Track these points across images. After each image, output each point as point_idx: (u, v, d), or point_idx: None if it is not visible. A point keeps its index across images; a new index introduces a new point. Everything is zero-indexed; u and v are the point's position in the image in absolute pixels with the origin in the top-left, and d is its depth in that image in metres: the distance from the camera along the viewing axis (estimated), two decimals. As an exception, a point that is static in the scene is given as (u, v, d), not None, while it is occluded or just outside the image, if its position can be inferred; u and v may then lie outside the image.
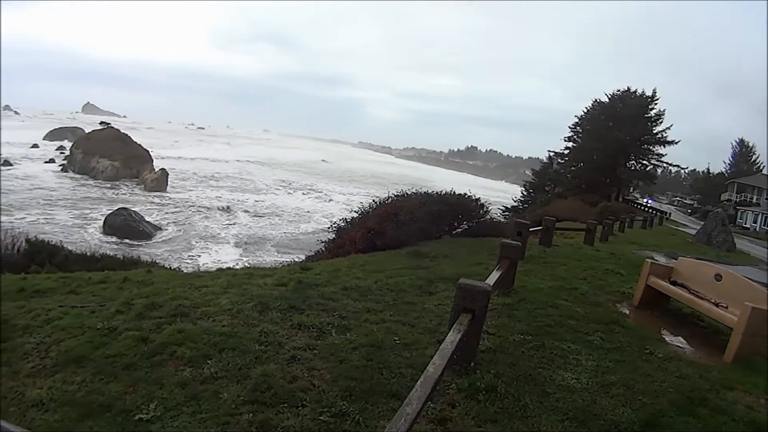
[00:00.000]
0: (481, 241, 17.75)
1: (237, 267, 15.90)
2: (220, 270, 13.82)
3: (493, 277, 8.83)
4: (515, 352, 7.95)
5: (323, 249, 20.02)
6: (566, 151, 79.16)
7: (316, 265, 13.87)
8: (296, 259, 20.07)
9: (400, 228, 16.49)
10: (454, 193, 19.53)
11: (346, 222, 20.16)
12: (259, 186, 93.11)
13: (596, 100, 78.06)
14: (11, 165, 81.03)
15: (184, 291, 10.06)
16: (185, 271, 15.13)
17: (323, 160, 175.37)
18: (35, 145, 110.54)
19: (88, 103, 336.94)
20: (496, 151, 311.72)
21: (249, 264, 35.25)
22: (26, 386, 6.37)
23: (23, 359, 7.09)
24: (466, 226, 19.79)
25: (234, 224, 57.35)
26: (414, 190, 20.02)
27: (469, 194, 20.01)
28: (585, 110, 78.92)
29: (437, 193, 19.51)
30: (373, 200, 20.22)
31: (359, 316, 8.92)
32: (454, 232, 19.50)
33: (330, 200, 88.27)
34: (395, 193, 19.90)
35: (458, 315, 6.66)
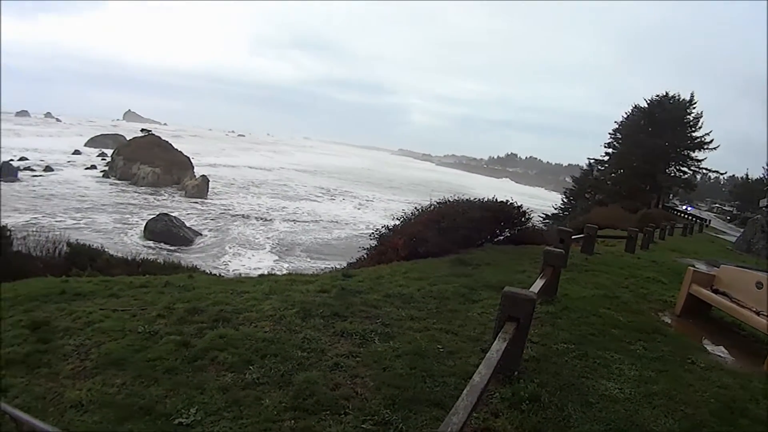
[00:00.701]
0: (522, 249, 17.63)
1: (276, 273, 15.86)
2: (261, 276, 13.90)
3: (538, 285, 8.70)
4: (559, 361, 7.88)
5: (365, 256, 19.87)
6: (606, 158, 78.28)
7: (359, 272, 13.76)
8: (335, 266, 20.07)
9: (443, 235, 16.38)
10: (496, 200, 19.37)
11: (388, 229, 19.91)
12: (299, 193, 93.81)
13: (635, 105, 77.09)
14: (53, 170, 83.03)
15: (226, 296, 10.12)
16: (224, 277, 15.12)
17: (366, 168, 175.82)
18: (77, 152, 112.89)
19: (129, 110, 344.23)
20: (536, 158, 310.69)
21: (284, 270, 36.14)
22: (65, 387, 6.44)
23: (63, 360, 7.18)
24: (508, 234, 19.63)
25: (271, 231, 57.63)
26: (455, 197, 19.84)
27: (510, 201, 19.84)
28: (624, 116, 77.98)
29: (479, 200, 19.37)
30: (416, 207, 20.06)
31: (402, 324, 8.88)
32: (496, 240, 19.35)
33: (369, 207, 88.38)
34: (438, 200, 19.76)
35: (503, 323, 6.56)
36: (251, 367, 6.90)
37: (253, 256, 46.51)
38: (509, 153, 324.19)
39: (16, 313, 9.29)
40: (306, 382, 6.54)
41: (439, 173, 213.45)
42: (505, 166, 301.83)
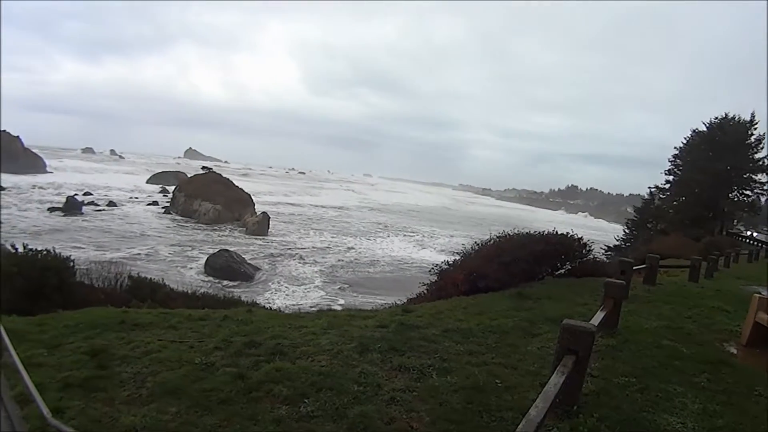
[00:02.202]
0: (583, 282, 17.35)
1: (335, 309, 15.96)
2: (320, 311, 14.14)
3: (598, 317, 8.60)
4: (619, 395, 7.72)
5: (425, 291, 19.82)
6: (667, 186, 76.03)
7: (418, 307, 13.83)
8: (395, 302, 20.07)
9: (503, 269, 16.27)
10: (557, 232, 19.17)
11: (449, 264, 19.88)
12: (359, 229, 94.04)
13: (695, 129, 74.74)
14: (116, 205, 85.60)
15: (284, 330, 10.27)
16: (282, 311, 15.31)
17: (426, 204, 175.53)
18: (139, 188, 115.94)
19: (190, 148, 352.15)
20: (596, 189, 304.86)
21: (337, 306, 36.07)
22: (120, 413, 6.63)
23: (119, 387, 7.41)
24: (569, 267, 19.35)
25: (327, 267, 57.84)
26: (516, 231, 19.73)
27: (571, 233, 19.61)
28: (684, 141, 75.73)
29: (540, 233, 19.21)
30: (476, 242, 20.07)
31: (461, 359, 8.86)
32: (556, 273, 19.09)
33: (426, 243, 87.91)
34: (497, 235, 19.72)
35: (562, 357, 6.48)
36: (306, 401, 6.96)
37: (306, 292, 46.67)
38: (570, 185, 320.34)
39: (77, 339, 9.63)
40: (360, 416, 6.56)
41: (499, 207, 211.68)
42: (566, 198, 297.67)
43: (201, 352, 8.68)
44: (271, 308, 18.15)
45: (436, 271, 19.76)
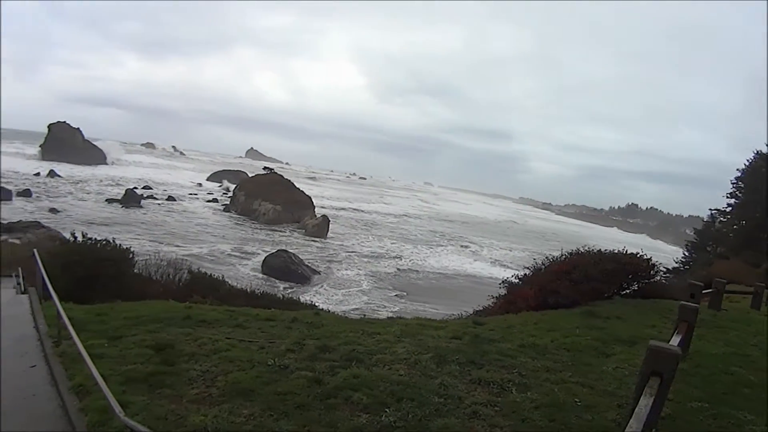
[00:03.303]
0: (650, 303, 16.84)
1: (404, 317, 15.60)
2: (390, 318, 14.00)
3: (675, 340, 8.10)
4: (692, 419, 7.35)
5: (491, 304, 19.81)
6: (728, 209, 73.53)
7: (489, 320, 13.68)
8: (461, 313, 19.69)
9: (574, 287, 15.92)
10: (626, 252, 18.64)
11: (518, 279, 19.76)
12: (417, 237, 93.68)
13: (758, 151, 72.06)
14: (175, 200, 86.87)
15: (357, 336, 10.10)
16: (349, 316, 15.11)
17: (486, 215, 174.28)
18: (199, 185, 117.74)
19: (252, 148, 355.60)
20: (656, 209, 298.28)
21: (390, 312, 36.84)
22: (189, 411, 6.41)
23: (187, 385, 7.22)
24: (636, 287, 18.79)
25: (382, 272, 57.54)
26: (584, 248, 19.26)
27: (640, 254, 19.06)
28: (746, 162, 73.10)
29: (610, 251, 18.73)
30: (546, 257, 19.82)
31: (539, 375, 8.57)
32: (623, 293, 18.57)
33: (483, 255, 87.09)
34: (568, 251, 19.35)
35: (647, 378, 6.04)
36: (387, 410, 6.69)
37: (355, 296, 46.52)
38: (630, 203, 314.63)
39: (140, 332, 9.54)
40: (444, 429, 6.33)
41: (558, 223, 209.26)
42: (626, 216, 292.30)
43: (273, 353, 8.48)
44: (327, 310, 17.83)
45: (506, 285, 19.64)
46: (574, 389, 8.01)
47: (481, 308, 20.46)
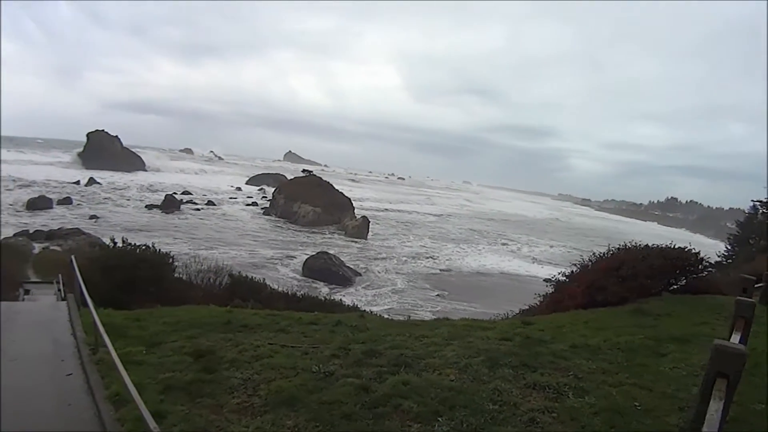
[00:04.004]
0: (699, 299, 16.27)
1: (451, 317, 15.30)
2: (437, 320, 13.62)
3: (735, 338, 7.72)
4: (756, 422, 6.94)
5: (537, 303, 19.81)
6: None
7: (537, 320, 13.38)
8: (508, 312, 19.42)
9: (622, 283, 15.60)
10: (675, 246, 18.17)
11: (565, 276, 19.61)
12: (457, 236, 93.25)
13: None
14: (214, 205, 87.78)
15: (404, 340, 9.78)
16: (394, 319, 14.86)
17: (523, 213, 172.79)
18: (238, 188, 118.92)
19: (290, 151, 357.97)
20: (696, 203, 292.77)
21: (424, 312, 36.97)
22: (230, 422, 6.19)
23: (228, 394, 6.98)
24: (684, 282, 18.31)
25: (424, 271, 57.38)
26: (628, 244, 18.88)
27: (688, 248, 18.58)
28: None
29: (657, 246, 18.30)
30: (593, 253, 19.50)
31: (595, 378, 8.21)
32: (670, 289, 18.11)
33: (522, 252, 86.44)
34: (615, 247, 18.96)
35: (713, 380, 5.69)
36: (440, 419, 6.35)
37: (401, 296, 46.36)
38: (669, 197, 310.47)
39: (179, 338, 9.38)
40: None
41: (599, 219, 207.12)
42: (665, 211, 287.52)
43: (317, 359, 8.21)
44: (371, 312, 17.63)
45: (553, 283, 19.61)
46: (632, 392, 7.68)
47: (527, 307, 20.35)
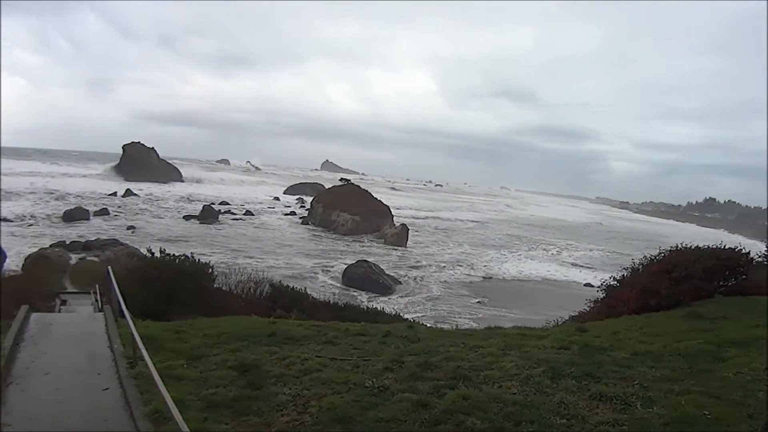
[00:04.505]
0: (750, 300, 15.78)
1: (503, 326, 14.87)
2: (488, 329, 13.16)
3: None
4: None
5: (588, 309, 19.29)
6: None
7: (591, 326, 13.07)
8: (559, 319, 18.98)
9: (675, 286, 15.31)
10: (725, 247, 17.67)
11: (615, 280, 19.21)
12: (496, 243, 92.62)
13: None
14: (253, 215, 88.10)
15: (459, 351, 9.43)
16: (444, 329, 14.46)
17: (561, 218, 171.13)
18: (276, 198, 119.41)
19: (327, 160, 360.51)
20: (734, 202, 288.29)
21: (464, 319, 36.81)
22: None
23: (277, 411, 6.66)
24: (733, 283, 17.82)
25: (464, 278, 57.03)
26: (682, 246, 18.41)
27: (738, 248, 18.05)
28: None
29: (708, 247, 17.84)
30: (644, 255, 18.90)
31: (661, 386, 7.94)
32: (721, 290, 17.63)
33: (561, 257, 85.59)
34: (667, 248, 18.52)
35: None
36: None
37: (441, 304, 45.98)
38: (707, 198, 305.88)
39: (222, 351, 9.04)
40: None
41: (637, 222, 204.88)
42: (703, 212, 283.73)
43: (369, 373, 7.89)
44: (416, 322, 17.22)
45: (604, 288, 19.24)
46: (700, 400, 7.43)
47: (577, 313, 19.94)
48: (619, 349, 9.90)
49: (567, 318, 19.52)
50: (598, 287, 19.91)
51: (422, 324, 16.55)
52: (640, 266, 18.47)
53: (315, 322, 12.30)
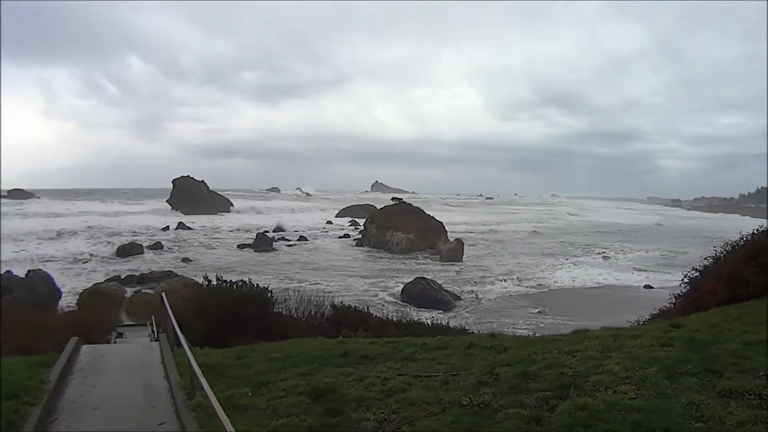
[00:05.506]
0: None
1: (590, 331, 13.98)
2: (575, 332, 12.37)
3: None
4: None
5: (669, 306, 18.97)
6: None
7: (684, 321, 12.22)
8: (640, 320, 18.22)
9: (764, 272, 14.42)
10: None
11: (697, 271, 18.79)
12: (552, 251, 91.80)
13: None
14: (307, 240, 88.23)
15: (556, 357, 8.62)
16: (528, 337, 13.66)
17: (614, 221, 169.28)
18: (329, 222, 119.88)
19: (377, 181, 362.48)
20: None
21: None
22: None
23: None
24: None
25: (518, 291, 56.30)
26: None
27: None
28: None
29: None
30: (726, 242, 18.63)
31: None
32: None
33: (615, 260, 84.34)
34: (750, 231, 18.23)
35: None
36: None
37: (501, 317, 45.19)
38: (760, 187, 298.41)
39: (290, 376, 8.25)
40: None
41: (692, 219, 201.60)
42: (758, 202, 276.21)
43: (462, 389, 7.11)
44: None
45: (686, 281, 18.90)
46: None
47: (658, 311, 19.25)
48: (726, 341, 9.16)
49: (647, 317, 18.82)
50: (682, 281, 19.38)
51: (503, 333, 15.76)
52: (722, 254, 18.11)
53: (388, 339, 11.64)
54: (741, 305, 13.22)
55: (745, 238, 17.88)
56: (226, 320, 15.46)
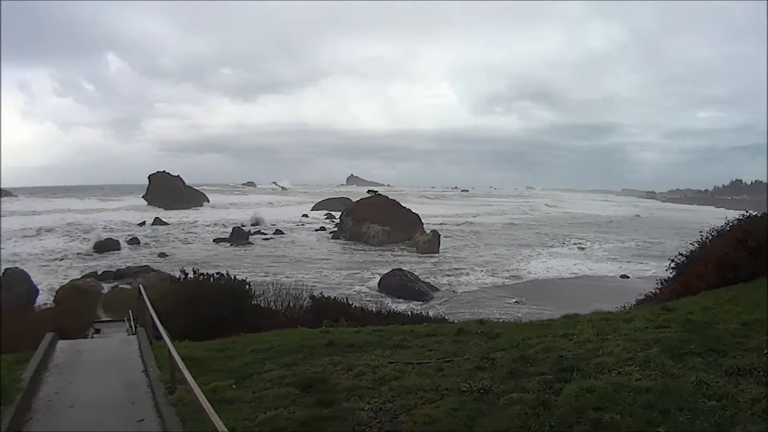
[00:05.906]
0: None
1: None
2: (566, 317, 11.99)
3: None
4: None
5: (655, 291, 19.01)
6: None
7: (676, 305, 12.10)
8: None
9: (750, 257, 14.92)
10: None
11: (683, 255, 18.87)
12: (528, 242, 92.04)
13: None
14: (283, 233, 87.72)
15: (552, 340, 8.50)
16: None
17: (589, 212, 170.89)
18: (305, 215, 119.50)
19: (352, 175, 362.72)
20: (762, 182, 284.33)
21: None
22: None
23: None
24: None
25: (494, 282, 56.50)
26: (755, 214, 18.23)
27: None
28: None
29: None
30: (712, 228, 18.93)
31: None
32: None
33: (590, 250, 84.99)
34: (736, 217, 18.42)
35: None
36: (659, 430, 5.22)
37: (479, 307, 45.16)
38: (733, 180, 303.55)
39: (276, 367, 7.88)
40: None
41: (667, 211, 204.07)
42: (732, 194, 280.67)
43: (459, 375, 6.86)
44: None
45: (672, 266, 18.98)
46: None
47: (643, 297, 19.39)
48: (723, 322, 9.26)
49: (633, 302, 18.69)
50: (667, 265, 19.61)
51: (498, 320, 15.76)
52: (708, 239, 18.40)
53: (374, 327, 11.31)
54: (731, 288, 13.33)
55: (730, 224, 18.05)
56: (206, 313, 15.13)
